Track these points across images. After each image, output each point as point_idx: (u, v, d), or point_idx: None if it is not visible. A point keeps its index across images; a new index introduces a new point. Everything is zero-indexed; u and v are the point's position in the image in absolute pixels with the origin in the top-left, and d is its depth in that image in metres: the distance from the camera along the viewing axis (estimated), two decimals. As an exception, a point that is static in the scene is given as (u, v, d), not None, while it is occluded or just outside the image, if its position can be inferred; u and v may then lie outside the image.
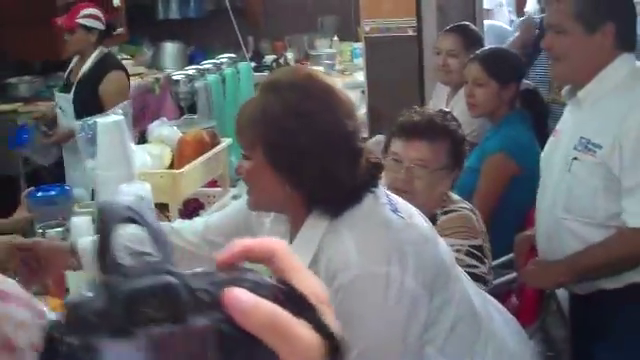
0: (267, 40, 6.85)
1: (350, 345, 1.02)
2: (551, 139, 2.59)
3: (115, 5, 6.20)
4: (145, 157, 2.72)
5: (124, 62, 6.26)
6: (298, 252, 1.74)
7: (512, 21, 6.48)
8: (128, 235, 0.53)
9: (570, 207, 2.37)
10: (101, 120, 2.45)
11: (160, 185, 2.54)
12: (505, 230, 2.85)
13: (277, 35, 6.83)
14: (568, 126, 2.46)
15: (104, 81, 4.48)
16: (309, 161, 1.67)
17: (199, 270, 0.52)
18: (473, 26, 4.09)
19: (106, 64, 4.57)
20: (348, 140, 1.70)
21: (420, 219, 1.83)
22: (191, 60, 6.81)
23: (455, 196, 2.52)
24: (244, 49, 6.10)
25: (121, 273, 0.49)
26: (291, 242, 1.81)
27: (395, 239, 1.70)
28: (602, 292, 2.39)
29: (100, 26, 4.59)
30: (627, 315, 2.37)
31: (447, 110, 2.80)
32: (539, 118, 3.30)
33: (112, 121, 2.44)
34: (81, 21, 4.50)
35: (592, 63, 2.34)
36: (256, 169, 1.72)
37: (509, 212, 3.04)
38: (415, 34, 4.36)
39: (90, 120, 2.48)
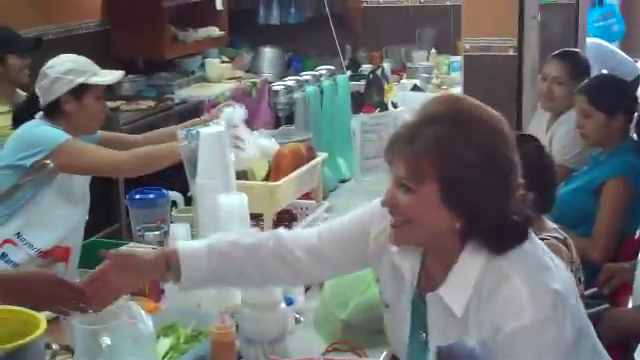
0: (364, 49, 6.88)
1: None
2: None
3: (218, 9, 6.33)
4: (243, 167, 2.78)
5: (224, 65, 6.41)
6: (454, 287, 1.66)
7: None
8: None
9: None
10: (204, 130, 2.52)
11: (256, 196, 2.59)
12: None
13: (375, 45, 6.85)
14: None
15: None
16: (489, 196, 1.62)
17: None
18: (582, 54, 4.05)
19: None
20: (517, 174, 1.66)
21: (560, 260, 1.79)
22: (288, 65, 6.91)
23: (551, 224, 2.52)
24: (341, 57, 6.15)
25: None
26: (422, 268, 1.79)
27: (556, 283, 1.64)
28: None
29: None
30: None
31: (529, 134, 2.78)
32: None
33: (215, 132, 2.50)
34: None
35: None
36: (422, 204, 1.64)
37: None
38: (515, 54, 4.32)
39: (193, 130, 2.55)
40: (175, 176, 2.93)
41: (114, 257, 1.95)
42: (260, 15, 6.99)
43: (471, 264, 1.66)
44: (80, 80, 2.99)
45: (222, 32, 6.51)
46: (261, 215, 2.72)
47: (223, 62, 6.49)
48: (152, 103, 5.45)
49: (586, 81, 3.37)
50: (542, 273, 1.64)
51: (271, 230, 2.07)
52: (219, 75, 6.25)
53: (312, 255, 1.95)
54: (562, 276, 1.68)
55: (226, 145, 2.52)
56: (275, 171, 2.80)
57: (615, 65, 6.37)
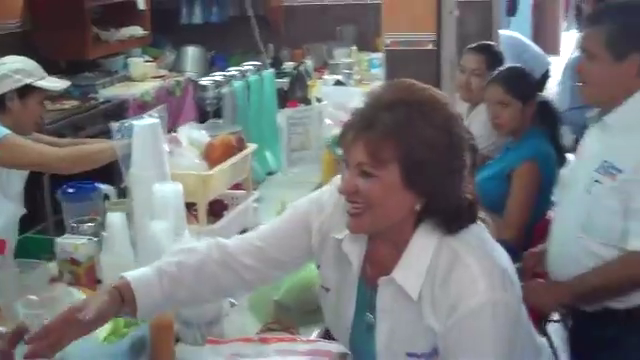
0: (287, 47, 6.97)
1: None
2: (573, 160, 2.64)
3: (140, 9, 6.34)
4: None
5: (148, 64, 6.42)
6: (408, 271, 1.68)
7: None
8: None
9: (587, 227, 2.40)
10: (137, 122, 2.57)
11: (190, 185, 2.65)
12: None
13: (297, 43, 6.95)
14: (591, 148, 2.50)
15: None
16: (449, 175, 1.66)
17: None
18: (496, 46, 4.21)
19: None
20: (467, 152, 1.70)
21: None
22: (212, 64, 6.95)
23: None
24: (265, 55, 6.23)
25: None
26: (367, 255, 1.81)
27: (504, 263, 1.70)
28: (608, 311, 2.42)
29: None
30: (632, 336, 2.40)
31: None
32: (553, 130, 3.42)
33: (148, 124, 2.56)
34: None
35: (617, 90, 2.40)
36: (383, 188, 1.65)
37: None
38: (435, 48, 4.47)
39: (127, 122, 2.61)
40: (102, 169, 2.99)
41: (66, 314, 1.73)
42: (183, 14, 7.01)
43: (424, 246, 1.68)
44: (28, 81, 3.09)
45: (145, 32, 6.51)
46: (194, 204, 2.79)
47: (147, 61, 6.50)
48: (76, 102, 5.44)
49: (497, 72, 3.48)
50: (490, 252, 1.70)
51: (210, 239, 2.01)
52: (143, 74, 6.25)
53: (259, 259, 1.93)
54: (505, 255, 1.75)
55: (160, 136, 2.59)
56: (206, 162, 2.86)
57: (527, 58, 6.58)
